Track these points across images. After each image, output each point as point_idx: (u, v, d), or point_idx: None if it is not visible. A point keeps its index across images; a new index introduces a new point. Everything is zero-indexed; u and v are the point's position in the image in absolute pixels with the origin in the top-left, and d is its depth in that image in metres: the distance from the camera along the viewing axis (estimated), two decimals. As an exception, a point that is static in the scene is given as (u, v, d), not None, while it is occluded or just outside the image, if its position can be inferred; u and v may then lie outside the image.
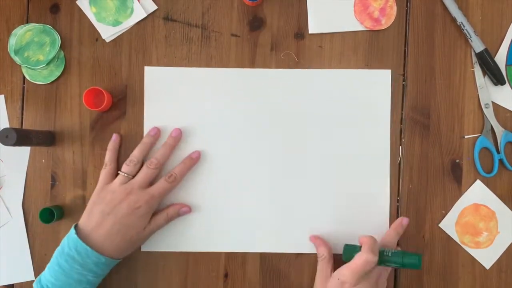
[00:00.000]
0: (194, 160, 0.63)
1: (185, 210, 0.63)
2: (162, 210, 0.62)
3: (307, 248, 0.64)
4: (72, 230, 0.58)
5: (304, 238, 0.64)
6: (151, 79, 0.65)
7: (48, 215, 0.62)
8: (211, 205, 0.64)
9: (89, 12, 0.66)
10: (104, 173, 0.62)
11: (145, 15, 0.65)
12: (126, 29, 0.66)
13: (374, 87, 0.65)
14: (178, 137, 0.63)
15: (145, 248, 0.64)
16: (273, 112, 0.65)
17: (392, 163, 0.65)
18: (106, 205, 0.59)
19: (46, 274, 0.57)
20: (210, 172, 0.64)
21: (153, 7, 0.66)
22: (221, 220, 0.64)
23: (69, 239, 0.57)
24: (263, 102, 0.65)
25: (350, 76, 0.65)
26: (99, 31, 0.66)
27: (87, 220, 0.59)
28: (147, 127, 0.65)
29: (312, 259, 0.64)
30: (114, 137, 0.64)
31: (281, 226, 0.64)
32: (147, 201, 0.59)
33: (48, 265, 0.58)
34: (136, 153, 0.62)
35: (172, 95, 0.65)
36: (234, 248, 0.64)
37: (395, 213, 0.65)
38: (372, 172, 0.64)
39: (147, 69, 0.65)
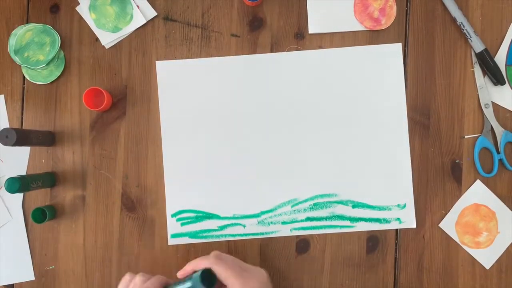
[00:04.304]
0: None
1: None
2: None
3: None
4: None
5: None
6: (163, 73, 0.65)
7: (41, 215, 0.63)
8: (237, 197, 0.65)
9: (89, 18, 0.66)
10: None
11: (145, 21, 0.65)
12: (126, 36, 0.66)
13: (386, 61, 0.65)
14: None
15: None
16: (289, 94, 0.65)
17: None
18: None
19: None
20: (230, 158, 0.65)
21: (152, 13, 0.66)
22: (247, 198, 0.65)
23: None
24: (278, 85, 0.65)
25: (360, 52, 0.65)
26: (99, 37, 0.66)
27: None
28: (163, 120, 0.65)
29: (312, 259, 0.64)
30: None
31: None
32: None
33: None
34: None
35: (186, 87, 0.65)
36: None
37: (395, 213, 0.65)
38: (391, 142, 0.65)
39: (158, 64, 0.66)
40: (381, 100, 0.65)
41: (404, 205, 0.64)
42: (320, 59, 0.65)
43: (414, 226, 0.64)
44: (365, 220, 0.64)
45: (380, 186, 0.64)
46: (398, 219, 0.64)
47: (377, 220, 0.64)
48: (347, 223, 0.64)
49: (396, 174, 0.65)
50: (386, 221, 0.64)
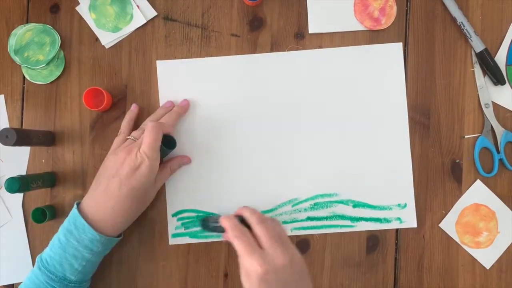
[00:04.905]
0: (184, 107, 0.64)
1: (186, 161, 0.64)
2: (164, 165, 0.62)
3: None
4: (75, 205, 0.57)
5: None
6: (163, 73, 0.65)
7: (41, 215, 0.63)
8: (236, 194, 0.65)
9: (89, 18, 0.66)
10: (116, 140, 0.61)
11: (145, 21, 0.65)
12: (126, 36, 0.66)
13: (386, 60, 0.65)
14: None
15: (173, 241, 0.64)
16: (289, 94, 0.65)
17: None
18: (111, 168, 0.57)
19: (47, 248, 0.57)
20: (230, 158, 0.65)
21: (152, 13, 0.66)
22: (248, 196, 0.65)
23: (71, 213, 0.57)
24: (278, 85, 0.65)
25: (360, 52, 0.65)
26: (99, 37, 0.66)
27: (95, 188, 0.57)
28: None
29: (312, 259, 0.64)
30: (133, 107, 0.64)
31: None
32: (148, 157, 0.56)
33: (51, 240, 0.57)
34: (146, 121, 0.62)
35: (186, 87, 0.65)
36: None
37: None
38: (392, 141, 0.65)
39: (159, 63, 0.66)
40: (381, 100, 0.65)
41: (405, 205, 0.64)
42: (320, 59, 0.65)
43: (415, 225, 0.64)
44: (366, 219, 0.64)
45: (381, 185, 0.64)
46: (398, 218, 0.64)
47: (378, 219, 0.64)
48: (348, 222, 0.64)
49: (396, 174, 0.65)
50: (387, 220, 0.64)
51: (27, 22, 0.66)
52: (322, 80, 0.65)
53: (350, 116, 0.65)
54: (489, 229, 0.64)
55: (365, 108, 0.65)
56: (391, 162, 0.65)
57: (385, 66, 0.65)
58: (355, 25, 0.65)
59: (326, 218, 0.64)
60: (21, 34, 0.65)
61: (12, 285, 0.65)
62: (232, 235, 0.52)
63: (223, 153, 0.65)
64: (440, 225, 0.64)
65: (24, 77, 0.66)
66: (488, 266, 0.64)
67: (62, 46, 0.66)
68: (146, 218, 0.64)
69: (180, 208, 0.65)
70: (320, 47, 0.65)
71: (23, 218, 0.65)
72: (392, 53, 0.65)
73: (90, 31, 0.66)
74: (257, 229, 0.52)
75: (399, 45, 0.65)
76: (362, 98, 0.65)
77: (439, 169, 0.65)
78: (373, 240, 0.64)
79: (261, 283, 0.48)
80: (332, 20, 0.65)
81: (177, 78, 0.65)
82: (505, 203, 0.64)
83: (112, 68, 0.66)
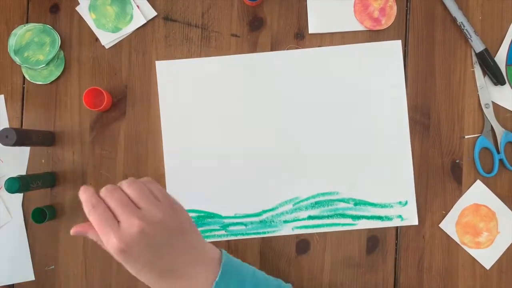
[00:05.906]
0: None
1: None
2: None
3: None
4: None
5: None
6: (163, 73, 0.65)
7: (40, 215, 0.63)
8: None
9: (89, 18, 0.66)
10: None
11: (145, 21, 0.65)
12: (125, 36, 0.66)
13: (386, 57, 0.65)
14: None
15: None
16: (289, 93, 0.65)
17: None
18: None
19: None
20: (231, 157, 0.65)
21: (152, 13, 0.66)
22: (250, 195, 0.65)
23: None
24: (278, 84, 0.65)
25: (360, 50, 0.65)
26: (99, 37, 0.66)
27: None
28: (164, 120, 0.65)
29: (312, 259, 0.64)
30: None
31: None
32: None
33: None
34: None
35: (186, 87, 0.65)
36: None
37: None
38: (392, 139, 0.65)
39: (158, 64, 0.66)
40: (381, 98, 0.65)
41: (406, 202, 0.64)
42: (320, 57, 0.65)
43: (416, 223, 0.64)
44: (367, 218, 0.64)
45: (381, 184, 0.64)
46: (400, 216, 0.64)
47: (379, 217, 0.64)
48: (349, 221, 0.64)
49: (397, 172, 0.65)
50: (388, 218, 0.64)
51: (27, 22, 0.66)
52: (322, 78, 0.65)
53: (351, 114, 0.65)
54: (489, 229, 0.64)
55: (366, 106, 0.65)
56: (392, 160, 0.65)
57: (385, 64, 0.65)
58: (355, 25, 0.65)
59: (328, 216, 0.64)
60: (21, 34, 0.65)
61: (13, 285, 0.65)
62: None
63: (223, 153, 0.65)
64: (440, 225, 0.64)
65: (24, 77, 0.66)
66: (488, 267, 0.64)
67: (62, 46, 0.66)
68: (146, 218, 0.64)
69: (180, 208, 0.65)
70: (320, 47, 0.65)
71: (23, 218, 0.65)
72: (391, 51, 0.65)
73: (90, 31, 0.66)
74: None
75: (399, 43, 0.65)
76: (362, 96, 0.65)
77: (439, 169, 0.65)
78: (373, 240, 0.64)
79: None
80: (332, 20, 0.65)
81: (176, 78, 0.65)
82: (505, 203, 0.64)
83: (112, 68, 0.66)
